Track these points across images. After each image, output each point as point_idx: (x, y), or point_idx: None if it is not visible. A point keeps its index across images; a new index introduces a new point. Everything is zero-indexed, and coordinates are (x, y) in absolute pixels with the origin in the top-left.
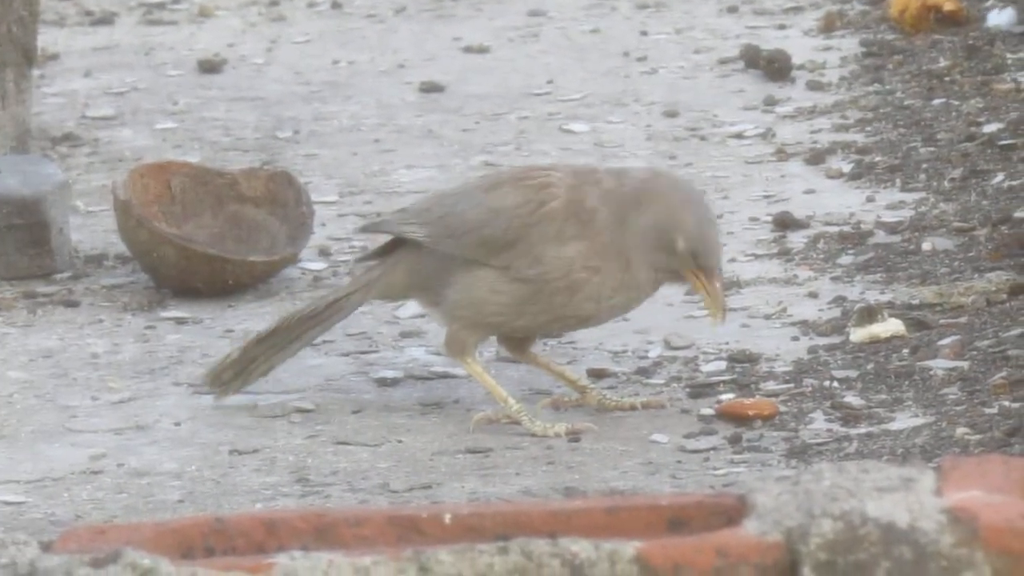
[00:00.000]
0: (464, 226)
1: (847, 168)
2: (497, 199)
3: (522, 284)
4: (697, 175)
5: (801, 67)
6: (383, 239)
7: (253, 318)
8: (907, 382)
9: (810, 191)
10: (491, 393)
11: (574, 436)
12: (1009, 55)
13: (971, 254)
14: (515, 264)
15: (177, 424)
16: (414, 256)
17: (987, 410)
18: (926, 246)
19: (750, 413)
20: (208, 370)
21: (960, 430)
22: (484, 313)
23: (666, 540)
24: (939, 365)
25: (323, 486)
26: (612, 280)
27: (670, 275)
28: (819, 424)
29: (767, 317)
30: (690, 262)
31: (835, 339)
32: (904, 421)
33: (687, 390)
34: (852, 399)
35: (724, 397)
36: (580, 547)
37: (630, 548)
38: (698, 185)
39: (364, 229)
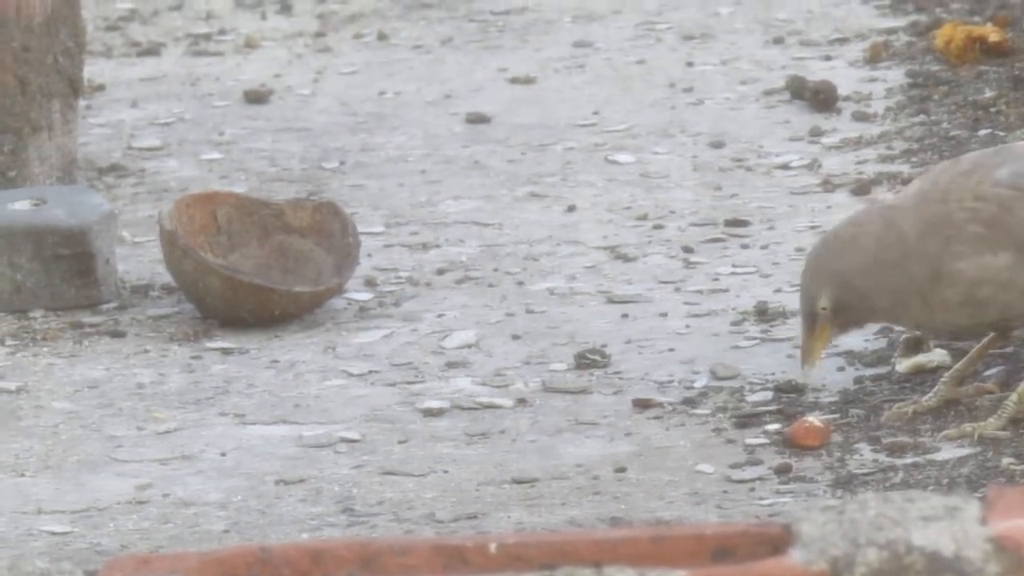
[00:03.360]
0: None
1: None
2: None
3: None
4: (743, 206)
5: (847, 98)
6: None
7: (299, 349)
8: (953, 412)
9: None
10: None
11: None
12: None
13: None
14: None
15: (223, 454)
16: None
17: None
18: None
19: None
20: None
21: (1006, 460)
22: None
23: (712, 569)
24: (985, 396)
25: (369, 516)
26: None
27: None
28: (865, 454)
29: None
30: None
31: (881, 370)
32: (950, 451)
33: (733, 420)
34: (898, 429)
35: (770, 427)
36: None
37: None
38: (745, 216)
39: None
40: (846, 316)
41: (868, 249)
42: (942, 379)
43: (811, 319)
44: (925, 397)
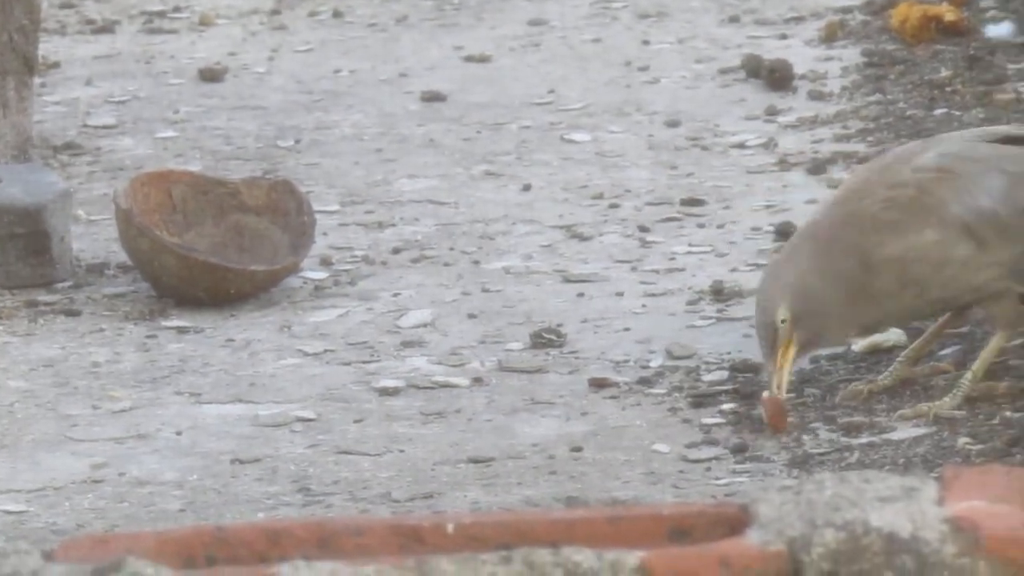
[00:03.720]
0: None
1: None
2: None
3: None
4: (699, 185)
5: (803, 77)
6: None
7: (254, 328)
8: (908, 392)
9: (812, 201)
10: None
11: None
12: (1010, 65)
13: None
14: None
15: (178, 433)
16: None
17: (988, 420)
18: None
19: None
20: None
21: (961, 440)
22: None
23: (669, 549)
24: (940, 375)
25: (325, 495)
26: None
27: None
28: (821, 434)
29: None
30: None
31: (837, 349)
32: (905, 431)
33: (689, 400)
34: (853, 409)
35: (726, 407)
36: (583, 556)
37: (633, 558)
38: (700, 194)
39: None
40: (806, 326)
41: (808, 253)
42: (898, 359)
43: (772, 338)
44: (881, 376)
